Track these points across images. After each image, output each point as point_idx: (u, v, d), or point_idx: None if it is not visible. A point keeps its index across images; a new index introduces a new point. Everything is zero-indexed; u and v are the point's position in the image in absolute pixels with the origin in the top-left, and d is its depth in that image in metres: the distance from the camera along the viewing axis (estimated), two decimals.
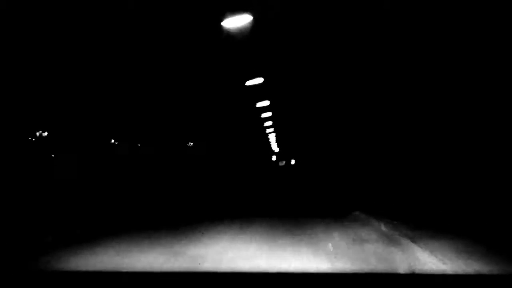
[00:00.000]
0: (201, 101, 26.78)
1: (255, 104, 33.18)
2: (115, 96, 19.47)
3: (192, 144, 35.15)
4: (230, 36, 12.42)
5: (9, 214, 12.75)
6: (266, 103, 32.52)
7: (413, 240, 8.63)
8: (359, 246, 8.42)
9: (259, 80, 23.91)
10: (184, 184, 26.18)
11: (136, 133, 25.67)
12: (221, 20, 11.23)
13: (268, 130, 54.02)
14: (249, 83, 23.35)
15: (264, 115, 39.33)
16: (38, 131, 19.57)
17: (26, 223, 11.52)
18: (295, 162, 67.62)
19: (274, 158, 78.59)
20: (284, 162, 71.85)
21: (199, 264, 7.24)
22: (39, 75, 15.29)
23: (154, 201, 17.57)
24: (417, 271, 6.76)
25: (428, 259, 7.34)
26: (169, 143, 29.83)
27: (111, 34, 13.71)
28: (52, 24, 13.01)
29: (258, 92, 27.65)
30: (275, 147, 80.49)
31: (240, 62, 18.35)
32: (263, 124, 45.73)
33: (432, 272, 6.65)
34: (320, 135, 43.71)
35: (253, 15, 11.24)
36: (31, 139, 18.77)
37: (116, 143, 24.82)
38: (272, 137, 64.89)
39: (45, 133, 20.42)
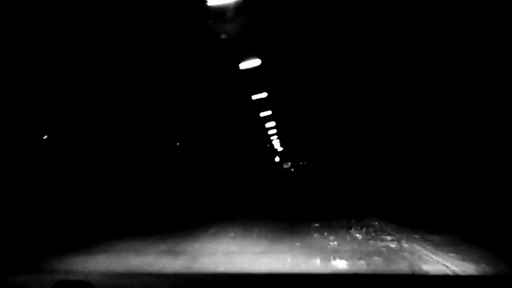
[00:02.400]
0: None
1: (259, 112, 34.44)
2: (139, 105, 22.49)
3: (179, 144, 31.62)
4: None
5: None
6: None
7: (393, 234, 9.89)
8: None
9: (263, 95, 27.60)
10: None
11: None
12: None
13: (269, 130, 50.77)
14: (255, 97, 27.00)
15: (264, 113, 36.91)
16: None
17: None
18: (304, 164, 59.39)
19: (277, 159, 70.05)
20: (289, 164, 64.64)
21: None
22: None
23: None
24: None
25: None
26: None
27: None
28: None
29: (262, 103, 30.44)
30: (278, 147, 71.68)
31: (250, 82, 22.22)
32: (263, 120, 41.40)
33: (433, 272, 6.70)
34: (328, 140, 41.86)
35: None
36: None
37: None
38: (274, 136, 58.96)
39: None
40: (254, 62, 15.26)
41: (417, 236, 9.70)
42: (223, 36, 15.27)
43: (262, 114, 36.60)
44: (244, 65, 15.55)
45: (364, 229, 10.89)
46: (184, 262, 7.47)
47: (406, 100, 22.32)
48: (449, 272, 6.70)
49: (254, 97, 26.49)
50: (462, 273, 6.55)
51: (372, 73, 22.53)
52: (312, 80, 25.47)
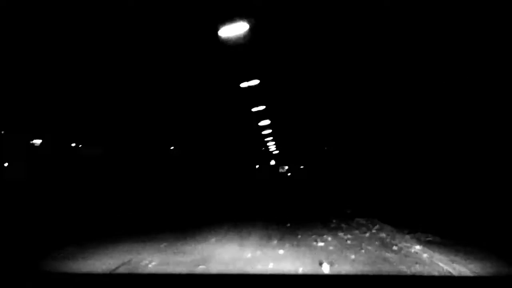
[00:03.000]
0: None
1: (250, 106, 31.94)
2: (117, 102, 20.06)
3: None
4: (227, 42, 13.03)
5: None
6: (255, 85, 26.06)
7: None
8: None
9: (255, 82, 24.34)
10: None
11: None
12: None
13: (264, 132, 49.44)
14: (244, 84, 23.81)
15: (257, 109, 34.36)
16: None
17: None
18: (301, 169, 58.70)
19: (273, 162, 70.96)
20: (286, 168, 63.72)
21: None
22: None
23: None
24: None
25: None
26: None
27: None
28: None
29: (254, 93, 27.62)
30: (274, 149, 72.38)
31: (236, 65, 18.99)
32: (257, 120, 39.92)
33: (430, 273, 6.82)
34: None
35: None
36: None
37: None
38: (269, 138, 57.76)
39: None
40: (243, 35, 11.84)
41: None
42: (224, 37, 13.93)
43: (255, 109, 34.09)
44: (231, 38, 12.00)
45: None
46: None
47: (407, 102, 21.84)
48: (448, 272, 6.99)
49: (244, 85, 23.29)
50: (460, 273, 6.78)
51: (367, 76, 22.01)
52: (308, 79, 23.86)
